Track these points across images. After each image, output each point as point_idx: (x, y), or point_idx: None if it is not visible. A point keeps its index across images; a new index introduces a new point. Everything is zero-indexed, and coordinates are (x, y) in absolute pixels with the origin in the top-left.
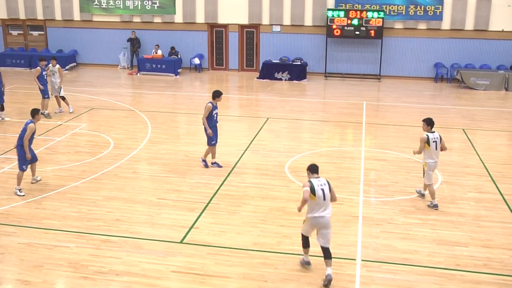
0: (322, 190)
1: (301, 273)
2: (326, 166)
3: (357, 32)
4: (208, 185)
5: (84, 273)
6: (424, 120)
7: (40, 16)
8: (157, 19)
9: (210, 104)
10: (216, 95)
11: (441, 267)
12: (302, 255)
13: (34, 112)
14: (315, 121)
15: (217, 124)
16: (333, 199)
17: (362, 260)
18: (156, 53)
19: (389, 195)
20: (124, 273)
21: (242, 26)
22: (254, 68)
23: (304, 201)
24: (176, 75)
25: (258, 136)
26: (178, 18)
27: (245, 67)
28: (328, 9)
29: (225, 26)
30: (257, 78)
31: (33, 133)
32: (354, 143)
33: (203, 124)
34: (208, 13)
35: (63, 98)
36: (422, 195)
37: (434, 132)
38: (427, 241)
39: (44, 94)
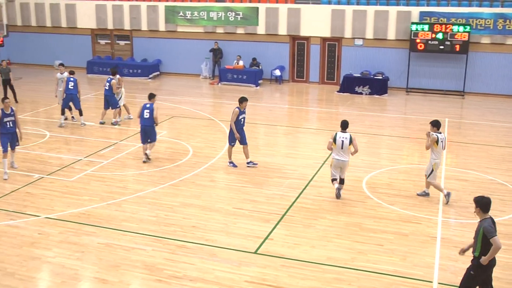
0: (342, 141)
1: None
2: (404, 184)
3: (442, 47)
4: (284, 197)
5: (159, 276)
6: (431, 123)
7: (127, 26)
8: (240, 30)
9: (237, 109)
10: (242, 100)
11: None
12: (375, 272)
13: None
14: (395, 137)
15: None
16: (355, 149)
17: (439, 283)
18: (237, 63)
19: (470, 217)
20: (198, 279)
21: (324, 39)
22: (335, 81)
23: (328, 148)
24: (256, 86)
25: None
26: (261, 29)
27: (325, 80)
28: (412, 23)
29: (307, 38)
30: (337, 91)
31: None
32: None
33: (231, 128)
34: (291, 25)
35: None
36: (427, 194)
37: (440, 133)
38: (510, 267)
39: (116, 104)
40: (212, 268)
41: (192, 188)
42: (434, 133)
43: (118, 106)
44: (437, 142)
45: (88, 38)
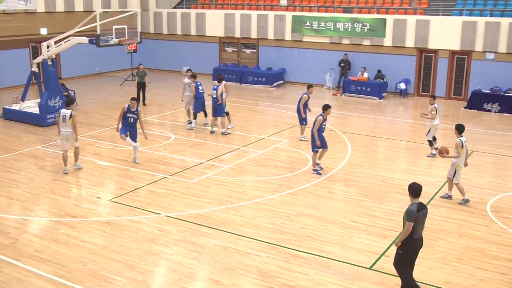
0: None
1: None
2: None
3: None
4: (403, 213)
5: (272, 283)
6: (455, 126)
7: (254, 35)
8: (366, 42)
9: (320, 117)
10: (326, 108)
11: None
12: None
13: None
14: None
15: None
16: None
17: None
18: (362, 75)
19: None
20: None
21: (453, 52)
22: (462, 97)
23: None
24: (380, 99)
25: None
26: (387, 41)
27: (452, 95)
28: None
29: (434, 51)
30: (464, 107)
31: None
32: None
33: (313, 135)
34: (418, 37)
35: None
36: (450, 197)
37: (463, 136)
38: None
39: (222, 112)
40: (325, 280)
41: (309, 198)
42: (458, 138)
43: (223, 114)
44: (462, 146)
45: (216, 46)
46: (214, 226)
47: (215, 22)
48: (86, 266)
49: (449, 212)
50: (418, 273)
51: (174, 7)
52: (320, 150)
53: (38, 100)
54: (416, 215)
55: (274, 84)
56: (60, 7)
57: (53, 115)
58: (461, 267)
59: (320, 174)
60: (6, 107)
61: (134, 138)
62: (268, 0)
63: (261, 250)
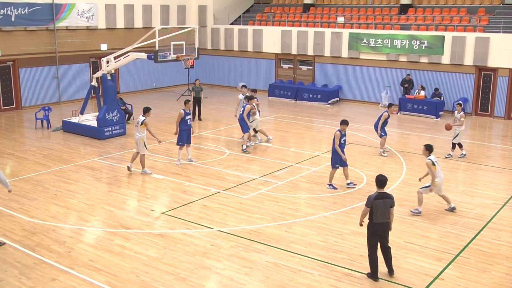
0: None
1: None
2: None
3: None
4: (459, 236)
5: None
6: (424, 146)
7: (310, 52)
8: (424, 59)
9: (338, 132)
10: (342, 123)
11: None
12: None
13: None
14: None
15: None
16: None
17: None
18: (419, 93)
19: None
20: None
21: None
22: None
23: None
24: (437, 118)
25: None
26: (445, 59)
27: (511, 115)
28: None
29: (494, 69)
30: None
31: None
32: None
33: (336, 151)
34: (478, 55)
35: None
36: (454, 208)
37: (431, 155)
38: None
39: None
40: None
41: None
42: (428, 158)
43: (247, 131)
44: (433, 164)
45: (272, 62)
46: (266, 242)
47: (271, 38)
48: (138, 277)
49: (508, 236)
50: None
51: (231, 24)
52: (341, 168)
53: (97, 113)
54: (372, 202)
55: (330, 101)
56: (120, 23)
57: (110, 128)
58: None
59: (336, 188)
60: (65, 119)
61: (190, 140)
62: (325, 17)
63: (313, 268)
